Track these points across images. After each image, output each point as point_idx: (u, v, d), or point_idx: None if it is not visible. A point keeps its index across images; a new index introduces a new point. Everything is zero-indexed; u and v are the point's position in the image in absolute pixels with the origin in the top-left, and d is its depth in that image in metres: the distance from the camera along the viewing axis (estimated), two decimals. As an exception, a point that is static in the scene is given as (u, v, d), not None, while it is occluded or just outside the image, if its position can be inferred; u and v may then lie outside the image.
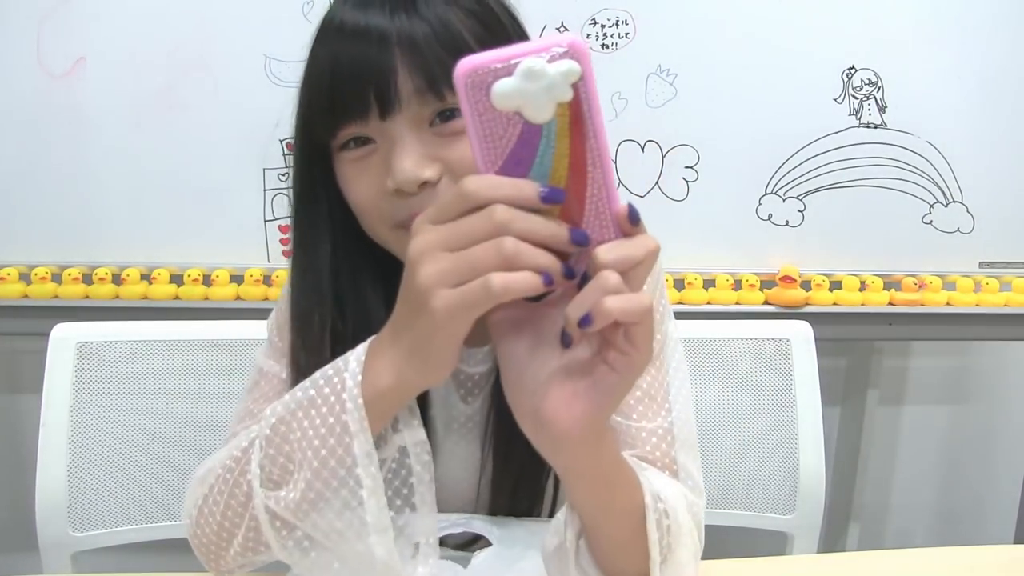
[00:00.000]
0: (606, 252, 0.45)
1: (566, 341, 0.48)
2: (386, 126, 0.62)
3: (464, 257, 0.45)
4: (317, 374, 0.57)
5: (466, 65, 0.43)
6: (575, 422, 0.49)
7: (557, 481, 0.76)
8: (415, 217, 0.57)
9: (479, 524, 0.75)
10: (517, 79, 0.43)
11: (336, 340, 0.69)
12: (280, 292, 0.82)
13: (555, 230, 0.45)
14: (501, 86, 0.43)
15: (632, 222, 0.46)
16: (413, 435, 0.58)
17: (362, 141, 0.64)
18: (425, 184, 0.61)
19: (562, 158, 0.45)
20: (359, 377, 0.54)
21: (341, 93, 0.62)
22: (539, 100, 0.44)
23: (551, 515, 0.76)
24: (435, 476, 0.61)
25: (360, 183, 0.65)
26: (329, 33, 0.64)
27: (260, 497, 0.58)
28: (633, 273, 0.45)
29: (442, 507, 0.73)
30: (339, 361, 0.56)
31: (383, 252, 0.68)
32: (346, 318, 0.71)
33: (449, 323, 0.47)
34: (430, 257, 0.46)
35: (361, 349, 0.56)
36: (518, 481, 0.75)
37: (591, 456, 0.52)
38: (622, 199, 0.46)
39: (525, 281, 0.44)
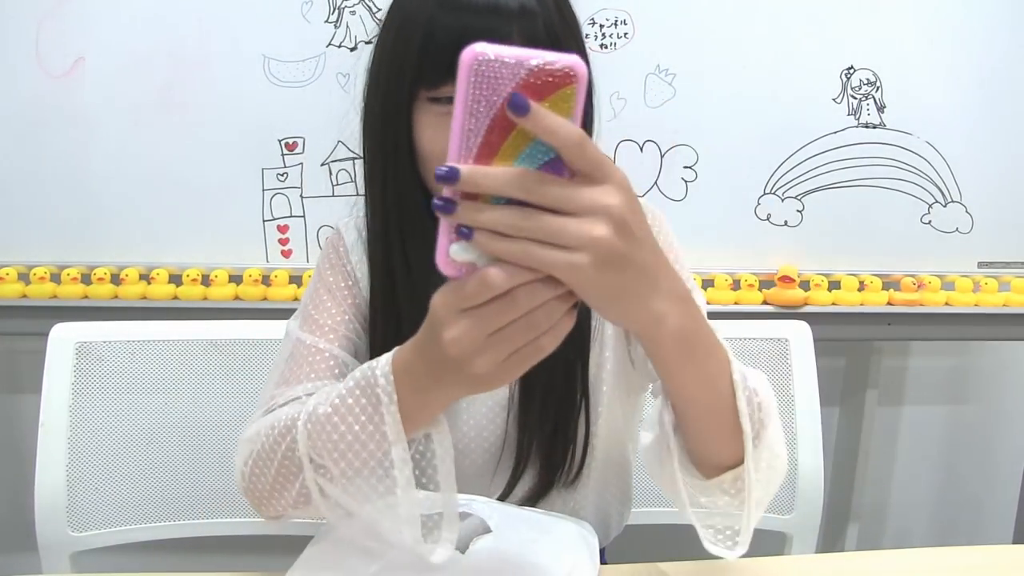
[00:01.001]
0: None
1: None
2: None
3: (504, 338, 0.49)
4: (351, 380, 0.60)
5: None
6: None
7: (587, 428, 0.81)
8: None
9: (480, 507, 0.75)
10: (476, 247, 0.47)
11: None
12: (316, 264, 0.87)
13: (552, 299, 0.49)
14: (455, 249, 0.48)
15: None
16: (438, 428, 0.60)
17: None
18: None
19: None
20: (395, 396, 0.57)
21: (448, 54, 0.64)
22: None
23: (582, 460, 0.82)
24: (459, 425, 0.70)
25: (439, 133, 0.70)
26: (453, 4, 0.69)
27: (311, 473, 0.61)
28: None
29: (469, 456, 0.82)
30: (368, 371, 0.58)
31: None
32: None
33: (494, 382, 0.52)
34: (455, 325, 0.49)
35: (387, 362, 0.57)
36: (547, 422, 0.79)
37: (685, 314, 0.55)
38: None
39: (558, 339, 0.49)
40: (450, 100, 0.65)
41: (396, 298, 0.78)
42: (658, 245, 0.52)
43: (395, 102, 0.73)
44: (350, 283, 0.83)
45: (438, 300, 0.50)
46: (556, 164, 0.47)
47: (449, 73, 0.61)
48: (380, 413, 0.57)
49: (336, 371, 0.77)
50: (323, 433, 0.59)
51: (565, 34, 0.72)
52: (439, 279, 0.49)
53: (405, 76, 0.71)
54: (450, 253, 0.48)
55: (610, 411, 0.84)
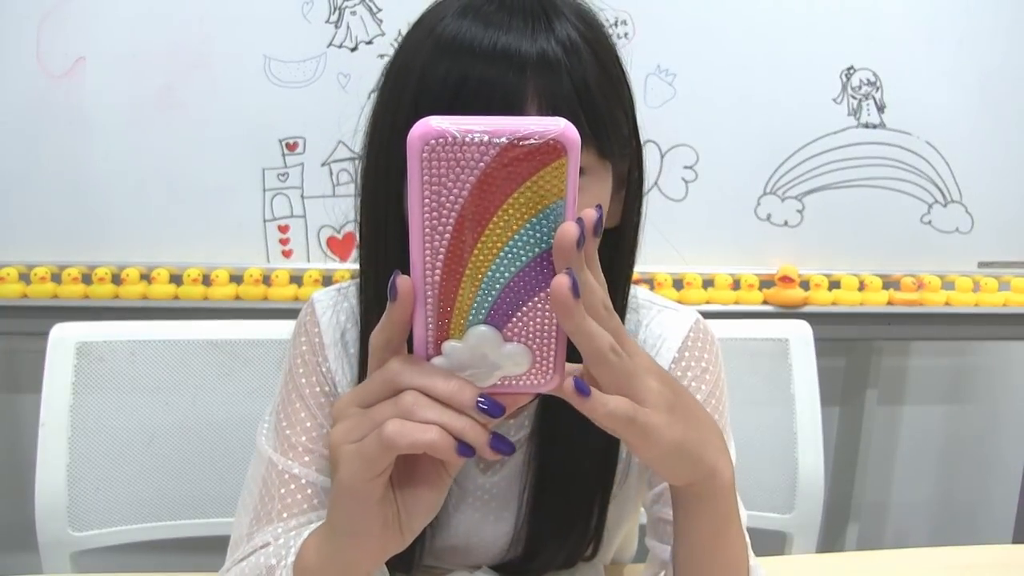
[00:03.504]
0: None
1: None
2: None
3: (367, 413, 0.43)
4: (269, 565, 0.58)
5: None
6: None
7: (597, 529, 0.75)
8: None
9: None
10: (467, 347, 0.41)
11: None
12: (287, 353, 0.78)
13: (455, 390, 0.41)
14: (450, 348, 0.41)
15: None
16: None
17: None
18: None
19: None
20: (292, 559, 0.54)
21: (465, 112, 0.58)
22: (487, 370, 0.42)
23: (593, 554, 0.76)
24: (443, 541, 0.64)
25: None
26: (454, 48, 0.57)
27: None
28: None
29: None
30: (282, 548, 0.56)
31: None
32: None
33: (351, 479, 0.43)
34: (339, 414, 0.44)
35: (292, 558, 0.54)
36: (560, 536, 0.73)
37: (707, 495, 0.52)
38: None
39: (428, 436, 0.40)
40: None
41: None
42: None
43: (388, 167, 0.61)
44: (327, 388, 0.73)
45: (343, 399, 0.45)
46: (541, 263, 0.40)
47: None
48: None
49: (314, 500, 0.69)
50: None
51: (607, 94, 0.59)
52: None
53: (399, 136, 0.63)
54: (445, 352, 0.42)
55: (623, 505, 0.79)
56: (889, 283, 1.56)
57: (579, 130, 0.44)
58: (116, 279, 1.43)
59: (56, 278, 1.43)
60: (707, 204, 1.53)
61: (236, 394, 1.13)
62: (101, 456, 1.09)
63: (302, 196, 1.47)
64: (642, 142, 0.68)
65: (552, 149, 0.37)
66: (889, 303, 1.55)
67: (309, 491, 0.69)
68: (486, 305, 0.41)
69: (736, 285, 1.53)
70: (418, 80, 0.58)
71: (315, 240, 1.49)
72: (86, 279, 1.43)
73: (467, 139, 0.37)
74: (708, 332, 0.78)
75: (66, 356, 1.08)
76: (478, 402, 0.41)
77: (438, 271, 0.40)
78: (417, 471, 0.46)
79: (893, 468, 1.95)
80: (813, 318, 1.25)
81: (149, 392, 1.12)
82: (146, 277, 1.44)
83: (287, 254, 1.49)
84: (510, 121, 0.37)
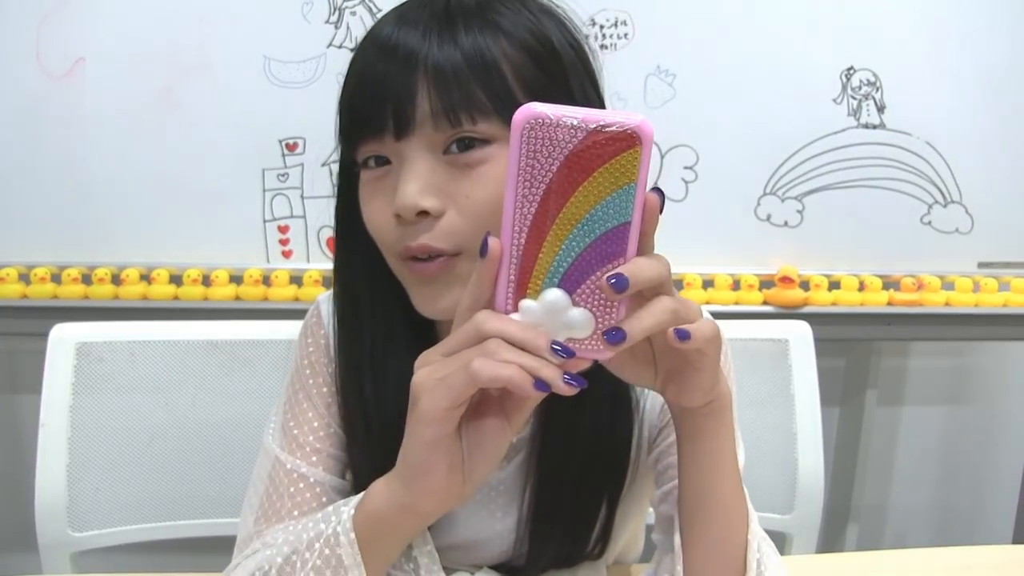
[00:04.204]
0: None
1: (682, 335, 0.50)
2: (400, 147, 0.60)
3: (453, 356, 0.48)
4: (313, 531, 0.59)
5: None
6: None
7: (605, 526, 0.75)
8: (409, 250, 0.60)
9: None
10: (541, 307, 0.46)
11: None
12: (295, 351, 0.79)
13: (531, 336, 0.46)
14: (526, 306, 0.47)
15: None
16: (421, 549, 0.62)
17: (381, 161, 0.62)
18: (424, 214, 0.59)
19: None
20: (353, 511, 0.57)
21: (363, 107, 0.61)
22: (556, 329, 0.47)
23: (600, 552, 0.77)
24: (447, 539, 0.67)
25: (374, 204, 0.63)
26: (365, 45, 0.63)
27: None
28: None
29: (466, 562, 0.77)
30: (330, 528, 0.57)
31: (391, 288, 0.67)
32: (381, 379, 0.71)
33: (432, 407, 0.48)
34: (424, 362, 0.50)
35: (348, 518, 0.57)
36: (563, 534, 0.74)
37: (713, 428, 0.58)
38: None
39: (508, 371, 0.45)
40: (378, 161, 0.62)
41: (363, 391, 0.71)
42: None
43: (340, 178, 0.69)
44: (333, 389, 0.75)
45: (422, 358, 0.51)
46: (619, 233, 0.45)
47: (366, 128, 0.61)
48: (337, 535, 0.57)
49: (323, 498, 0.70)
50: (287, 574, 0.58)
51: (533, 78, 0.61)
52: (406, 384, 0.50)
53: (340, 139, 0.65)
54: (522, 309, 0.47)
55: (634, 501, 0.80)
56: (889, 283, 1.56)
57: (473, 105, 0.57)
58: (116, 279, 1.43)
59: (56, 278, 1.43)
60: (707, 204, 1.53)
61: (236, 394, 1.13)
62: (101, 456, 1.09)
63: (302, 196, 1.47)
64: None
65: (629, 138, 0.43)
66: (889, 303, 1.55)
67: (318, 490, 0.70)
68: (561, 270, 0.46)
69: (736, 285, 1.53)
70: (350, 83, 0.63)
71: (315, 240, 1.49)
72: (86, 279, 1.43)
73: (561, 122, 0.43)
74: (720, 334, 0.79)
75: (66, 356, 1.08)
76: (552, 346, 0.46)
77: (524, 235, 0.46)
78: (484, 422, 0.51)
79: (893, 468, 1.95)
80: (813, 318, 1.25)
81: (149, 392, 1.12)
82: (146, 277, 1.44)
83: (287, 254, 1.49)
84: (596, 112, 0.44)
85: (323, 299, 0.81)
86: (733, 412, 0.59)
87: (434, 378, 0.48)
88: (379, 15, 1.41)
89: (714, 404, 0.57)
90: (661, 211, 0.46)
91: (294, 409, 0.74)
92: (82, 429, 1.07)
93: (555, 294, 0.46)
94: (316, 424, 0.73)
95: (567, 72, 0.64)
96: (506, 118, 0.55)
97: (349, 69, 0.63)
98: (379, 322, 0.71)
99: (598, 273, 0.46)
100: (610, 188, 0.44)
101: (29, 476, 1.04)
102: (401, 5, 0.64)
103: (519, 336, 0.46)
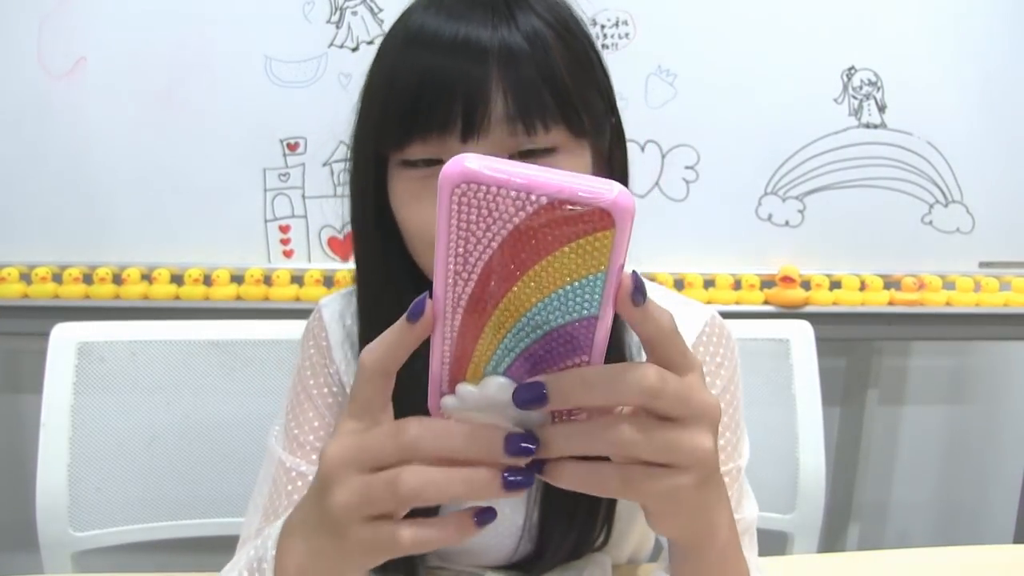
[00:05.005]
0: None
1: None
2: (464, 149, 0.56)
3: (372, 485, 0.39)
4: (252, 553, 0.54)
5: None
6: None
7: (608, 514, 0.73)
8: None
9: None
10: (482, 395, 0.38)
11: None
12: (298, 355, 0.78)
13: (485, 444, 0.38)
14: (465, 392, 0.38)
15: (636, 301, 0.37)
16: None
17: (431, 162, 0.59)
18: None
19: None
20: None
21: (426, 106, 0.56)
22: (497, 423, 0.39)
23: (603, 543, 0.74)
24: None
25: (420, 205, 0.59)
26: (419, 40, 0.58)
27: None
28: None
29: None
30: (260, 546, 0.52)
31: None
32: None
33: (361, 558, 0.41)
34: (343, 477, 0.40)
35: (277, 531, 0.50)
36: (571, 527, 0.72)
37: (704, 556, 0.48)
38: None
39: (440, 540, 0.40)
40: (428, 163, 0.58)
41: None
42: None
43: (366, 171, 0.63)
44: (335, 389, 0.74)
45: (331, 451, 0.41)
46: (582, 327, 0.36)
47: (414, 125, 0.56)
48: None
49: None
50: None
51: (576, 77, 0.59)
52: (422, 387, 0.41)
53: (369, 137, 0.62)
54: (443, 407, 0.39)
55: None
56: (890, 283, 1.56)
57: (547, 112, 0.49)
58: (117, 279, 1.43)
59: (57, 278, 1.43)
60: (708, 204, 1.53)
61: (237, 394, 1.14)
62: (102, 456, 1.09)
63: (303, 196, 1.47)
64: (623, 123, 0.70)
65: (601, 218, 0.33)
66: (890, 303, 1.55)
67: None
68: (506, 361, 0.38)
69: (737, 285, 1.53)
70: (387, 79, 0.59)
71: (316, 240, 1.49)
72: (87, 279, 1.43)
73: (501, 192, 0.33)
74: (724, 328, 0.78)
75: (67, 356, 1.08)
76: (508, 441, 0.38)
77: (459, 316, 0.37)
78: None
79: (894, 468, 1.95)
80: (814, 318, 1.25)
81: (150, 392, 1.12)
82: (147, 277, 1.44)
83: (288, 254, 1.49)
84: (555, 177, 0.33)
85: (325, 302, 0.80)
86: (751, 543, 0.51)
87: (359, 517, 0.40)
88: (380, 15, 1.42)
89: (703, 545, 0.46)
90: (639, 302, 0.36)
91: (295, 410, 0.74)
92: (83, 429, 1.07)
93: (499, 383, 0.38)
94: (316, 424, 0.73)
95: (594, 66, 0.63)
96: (568, 125, 0.56)
97: (393, 66, 0.59)
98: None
99: (553, 369, 0.37)
100: (570, 276, 0.34)
101: (30, 476, 1.04)
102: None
103: (465, 452, 0.38)
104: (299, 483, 0.70)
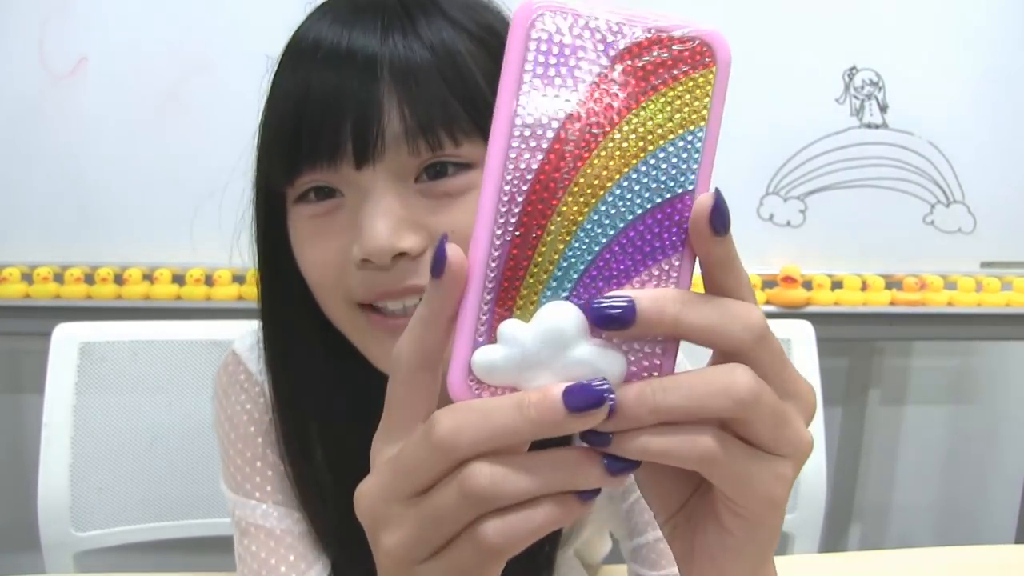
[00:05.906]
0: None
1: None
2: (360, 177, 0.50)
3: (423, 511, 0.30)
4: None
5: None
6: None
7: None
8: (381, 296, 0.50)
9: None
10: (535, 333, 0.28)
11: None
12: (218, 434, 0.72)
13: (570, 474, 0.28)
14: (509, 332, 0.28)
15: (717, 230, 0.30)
16: None
17: (326, 193, 0.52)
18: (401, 256, 0.49)
19: None
20: None
21: (309, 130, 0.50)
22: (555, 373, 0.28)
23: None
24: None
25: (317, 246, 0.52)
26: (302, 53, 0.53)
27: None
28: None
29: None
30: None
31: (336, 335, 0.56)
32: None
33: None
34: (384, 515, 0.31)
35: None
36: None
37: None
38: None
39: (532, 519, 0.28)
40: (322, 195, 0.51)
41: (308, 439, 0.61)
42: None
43: (264, 210, 0.58)
44: (267, 417, 0.66)
45: (363, 489, 0.32)
46: (674, 210, 0.29)
47: (299, 153, 0.49)
48: None
49: (290, 554, 0.63)
50: None
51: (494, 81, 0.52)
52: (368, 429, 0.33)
53: (261, 171, 0.57)
54: (475, 366, 0.28)
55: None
56: (891, 283, 1.56)
57: (455, 124, 0.43)
58: (119, 279, 1.43)
59: (58, 278, 1.43)
60: (709, 204, 1.53)
61: (238, 394, 1.13)
62: (104, 456, 1.09)
63: (304, 196, 1.47)
64: None
65: (698, 54, 0.27)
66: (891, 303, 1.55)
67: (288, 540, 0.63)
68: (574, 273, 0.28)
69: (738, 285, 1.53)
70: (273, 96, 0.54)
71: (317, 240, 1.49)
72: (88, 279, 1.43)
73: (590, 24, 0.27)
74: None
75: (69, 356, 1.08)
76: (567, 402, 0.27)
77: (515, 214, 0.27)
78: None
79: (895, 468, 1.95)
80: (815, 318, 1.25)
81: (151, 392, 1.12)
82: (148, 277, 1.44)
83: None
84: (637, 10, 0.27)
85: (238, 347, 0.72)
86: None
87: (420, 560, 0.30)
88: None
89: (774, 515, 0.33)
90: (722, 227, 0.30)
91: (236, 462, 0.67)
92: (85, 429, 1.07)
93: (561, 311, 0.28)
94: (259, 464, 0.66)
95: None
96: (486, 138, 0.46)
97: (277, 84, 0.54)
98: (325, 371, 0.60)
99: (636, 280, 0.29)
100: (662, 137, 0.28)
101: (32, 476, 1.05)
102: (328, 2, 0.54)
103: (524, 430, 0.27)
104: (271, 543, 0.63)
